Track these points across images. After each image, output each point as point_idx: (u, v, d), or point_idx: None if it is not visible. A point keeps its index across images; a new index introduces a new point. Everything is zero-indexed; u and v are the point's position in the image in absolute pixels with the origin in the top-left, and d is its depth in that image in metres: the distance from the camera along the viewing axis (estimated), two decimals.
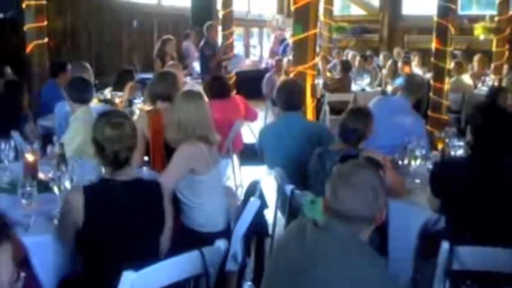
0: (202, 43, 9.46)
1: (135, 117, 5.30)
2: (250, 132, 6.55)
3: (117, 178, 2.49)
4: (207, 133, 3.12)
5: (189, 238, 2.98)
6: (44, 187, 2.99)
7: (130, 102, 5.95)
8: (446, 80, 7.15)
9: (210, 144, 3.12)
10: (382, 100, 4.95)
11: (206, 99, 3.62)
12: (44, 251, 2.49)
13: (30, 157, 3.23)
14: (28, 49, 7.09)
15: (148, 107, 4.39)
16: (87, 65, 5.33)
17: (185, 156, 3.02)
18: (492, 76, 9.55)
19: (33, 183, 2.83)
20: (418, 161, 3.71)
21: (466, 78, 8.56)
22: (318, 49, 8.53)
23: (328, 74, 9.67)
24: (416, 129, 4.27)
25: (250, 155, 5.40)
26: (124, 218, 2.45)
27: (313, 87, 5.95)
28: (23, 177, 3.06)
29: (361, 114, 3.46)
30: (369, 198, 1.84)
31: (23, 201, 2.72)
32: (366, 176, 1.88)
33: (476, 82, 8.87)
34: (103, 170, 2.59)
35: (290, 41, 9.57)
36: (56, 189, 2.89)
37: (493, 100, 4.92)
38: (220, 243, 2.47)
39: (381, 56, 11.36)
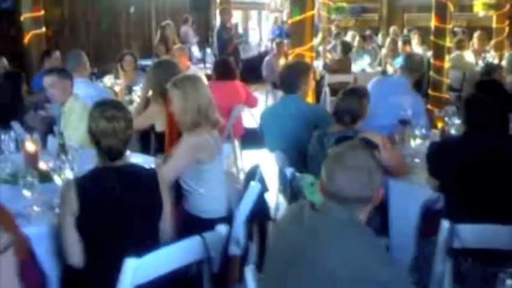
0: (218, 27, 9.46)
1: (135, 105, 5.33)
2: (251, 117, 6.56)
3: (111, 166, 2.49)
4: (217, 117, 3.12)
5: (191, 224, 2.99)
6: (45, 177, 3.00)
7: (130, 90, 5.95)
8: (446, 57, 7.13)
9: (216, 128, 3.12)
10: (381, 80, 4.94)
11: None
12: (47, 240, 2.51)
13: (30, 147, 3.24)
14: (26, 39, 7.07)
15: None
16: (82, 53, 5.30)
17: (191, 148, 3.00)
18: (492, 53, 9.49)
19: (34, 173, 2.84)
20: (418, 140, 3.71)
21: (467, 56, 8.52)
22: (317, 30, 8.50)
23: (328, 55, 9.64)
24: (415, 109, 4.26)
25: (251, 139, 5.43)
26: (119, 205, 2.44)
27: (313, 69, 5.92)
28: (24, 168, 3.08)
29: (354, 94, 3.44)
30: (364, 179, 1.85)
31: (25, 191, 2.73)
32: (360, 157, 1.88)
33: (476, 59, 8.82)
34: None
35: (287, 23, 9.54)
36: (57, 179, 2.91)
37: (488, 77, 4.89)
38: (221, 228, 2.48)
39: (380, 36, 11.29)
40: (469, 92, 2.94)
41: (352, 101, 3.38)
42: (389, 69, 8.60)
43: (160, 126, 3.84)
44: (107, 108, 2.50)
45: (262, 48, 13.38)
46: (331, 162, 1.90)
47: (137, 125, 3.58)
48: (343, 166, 1.86)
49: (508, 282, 1.81)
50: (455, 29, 9.83)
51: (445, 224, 2.54)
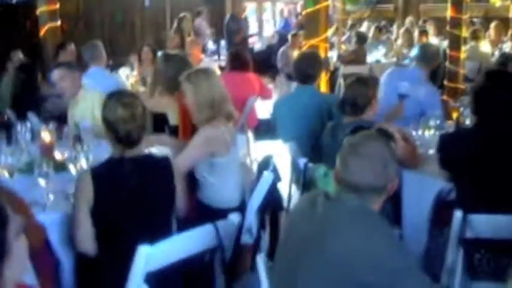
0: (228, 18, 9.45)
1: None
2: (264, 108, 6.56)
3: (127, 156, 2.52)
4: (231, 109, 3.13)
5: (204, 214, 3.01)
6: (61, 167, 3.05)
7: (144, 82, 5.98)
8: (463, 48, 7.06)
9: (231, 120, 3.13)
10: (395, 71, 4.91)
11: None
12: (61, 228, 2.55)
13: (46, 137, 3.28)
14: (41, 32, 7.13)
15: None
16: (98, 43, 5.34)
17: (206, 141, 3.00)
18: (509, 43, 9.36)
19: (50, 163, 2.88)
20: (432, 131, 3.69)
21: (484, 46, 8.42)
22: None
23: (343, 46, 9.58)
24: (431, 100, 4.24)
25: (264, 130, 5.44)
26: (134, 195, 2.48)
27: (326, 60, 5.91)
28: (40, 158, 3.12)
29: (357, 84, 3.41)
30: (379, 168, 1.85)
31: (40, 180, 2.78)
32: (376, 147, 1.88)
33: (493, 50, 8.71)
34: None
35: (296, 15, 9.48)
36: (72, 169, 2.95)
37: (503, 67, 4.83)
38: (234, 217, 2.50)
39: (394, 26, 11.19)
40: (478, 82, 2.89)
41: (355, 90, 3.36)
42: (407, 62, 8.52)
43: (173, 119, 3.83)
44: (122, 96, 2.54)
45: (275, 41, 13.29)
46: (347, 151, 1.90)
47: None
48: (358, 155, 1.86)
49: None
50: (474, 19, 9.71)
51: (457, 214, 2.53)
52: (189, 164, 3.01)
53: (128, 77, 6.58)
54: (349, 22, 11.63)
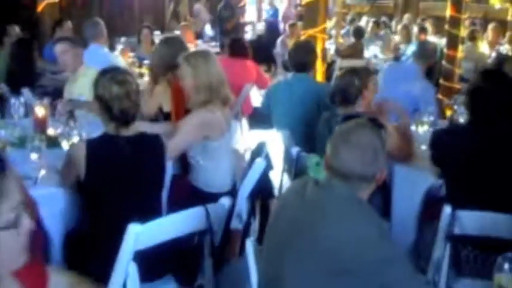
0: (221, 5, 9.43)
1: (145, 78, 5.33)
2: (259, 96, 6.55)
3: (121, 134, 2.52)
4: (228, 93, 3.12)
5: (195, 197, 3.02)
6: (53, 142, 3.04)
7: (140, 63, 5.96)
8: (460, 48, 7.07)
9: (227, 105, 3.12)
10: (393, 66, 4.94)
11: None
12: (52, 203, 2.54)
13: (40, 112, 3.26)
14: (39, 8, 7.08)
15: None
16: (100, 20, 5.29)
17: (201, 124, 2.99)
18: (507, 46, 9.39)
19: (42, 138, 2.87)
20: (425, 127, 3.71)
21: (481, 47, 8.44)
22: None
23: (341, 40, 9.58)
24: (425, 96, 4.26)
25: (259, 118, 5.43)
26: (125, 171, 2.49)
27: (324, 51, 5.92)
28: (33, 133, 3.11)
29: (347, 75, 3.39)
30: (368, 156, 1.85)
31: (32, 155, 2.77)
32: (366, 135, 1.89)
33: (490, 51, 8.74)
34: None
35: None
36: (64, 145, 2.94)
37: (498, 67, 4.85)
38: (225, 200, 2.51)
39: (394, 22, 11.18)
40: (473, 81, 2.90)
41: (345, 80, 3.34)
42: (402, 57, 8.54)
43: (167, 106, 3.75)
44: (116, 74, 2.53)
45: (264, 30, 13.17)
46: (337, 138, 1.91)
47: (149, 109, 3.59)
48: (348, 142, 1.87)
49: (506, 266, 1.82)
50: (475, 21, 9.73)
51: (446, 209, 2.54)
52: (183, 146, 3.01)
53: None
54: (349, 17, 11.61)
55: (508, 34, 9.95)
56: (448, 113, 4.23)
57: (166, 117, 3.72)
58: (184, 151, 3.05)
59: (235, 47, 5.67)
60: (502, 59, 5.74)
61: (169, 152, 2.90)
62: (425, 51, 4.65)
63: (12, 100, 3.51)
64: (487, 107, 2.72)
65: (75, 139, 2.96)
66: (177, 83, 3.61)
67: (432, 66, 5.45)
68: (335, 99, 3.34)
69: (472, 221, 2.54)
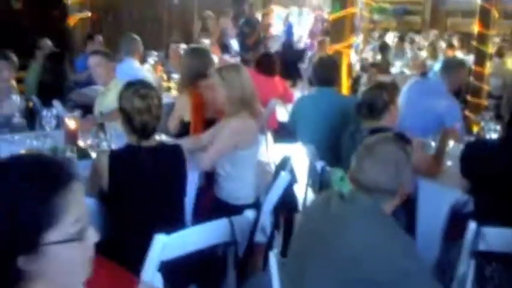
0: (242, 20, 9.52)
1: (173, 93, 5.41)
2: (285, 111, 6.58)
3: (143, 145, 2.59)
4: (258, 106, 3.18)
5: (220, 210, 3.05)
6: (84, 154, 3.11)
7: (169, 77, 6.04)
8: (488, 64, 7.02)
9: (255, 117, 3.16)
10: (418, 82, 4.90)
11: None
12: None
13: (71, 124, 3.35)
14: (70, 22, 7.25)
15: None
16: (136, 37, 5.38)
17: (234, 132, 3.05)
18: None
19: (74, 149, 2.94)
20: (451, 143, 3.69)
21: (510, 63, 8.36)
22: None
23: (367, 56, 9.58)
24: (451, 113, 4.23)
25: (284, 133, 5.46)
26: (148, 181, 2.55)
27: (350, 67, 5.94)
28: (64, 144, 3.19)
29: (375, 88, 3.40)
30: (391, 170, 1.87)
31: None
32: (391, 149, 1.91)
33: None
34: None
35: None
36: (94, 156, 3.01)
37: None
38: (249, 213, 2.53)
39: (420, 37, 11.14)
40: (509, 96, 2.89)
41: (372, 93, 3.34)
42: (429, 73, 8.50)
43: (187, 116, 3.81)
44: (139, 87, 2.60)
45: (301, 45, 13.29)
46: (362, 151, 1.94)
47: (171, 125, 3.70)
48: (372, 155, 1.89)
49: None
50: (506, 37, 9.65)
51: (472, 225, 2.53)
52: (217, 156, 3.07)
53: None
54: (376, 33, 11.61)
55: None
56: (475, 129, 4.19)
57: (186, 126, 3.79)
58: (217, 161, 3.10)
59: (265, 62, 5.71)
60: None
61: (205, 163, 2.98)
62: (450, 68, 4.61)
63: (44, 112, 3.59)
64: None
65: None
66: (198, 93, 3.69)
67: (461, 83, 5.43)
68: (361, 111, 3.34)
69: (497, 238, 2.52)
